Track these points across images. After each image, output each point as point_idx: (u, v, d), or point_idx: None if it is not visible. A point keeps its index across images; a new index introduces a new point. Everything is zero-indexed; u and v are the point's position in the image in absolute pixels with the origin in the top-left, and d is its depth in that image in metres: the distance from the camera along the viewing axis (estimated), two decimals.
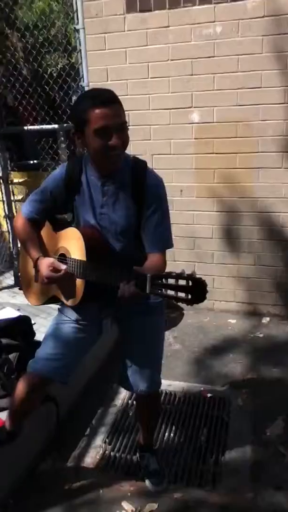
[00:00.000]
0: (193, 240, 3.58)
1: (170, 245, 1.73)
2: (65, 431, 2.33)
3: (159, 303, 1.82)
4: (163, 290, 1.36)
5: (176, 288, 1.33)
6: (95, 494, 2.01)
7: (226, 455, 2.20)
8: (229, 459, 2.18)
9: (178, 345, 3.15)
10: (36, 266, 1.75)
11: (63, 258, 1.72)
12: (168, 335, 3.23)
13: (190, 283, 1.31)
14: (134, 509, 1.93)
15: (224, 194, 3.45)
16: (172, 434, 2.36)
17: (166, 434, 2.37)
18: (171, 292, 1.34)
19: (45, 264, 1.69)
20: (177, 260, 3.50)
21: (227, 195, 3.45)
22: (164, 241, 1.71)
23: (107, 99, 1.54)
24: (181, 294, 1.32)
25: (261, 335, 3.28)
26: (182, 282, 1.32)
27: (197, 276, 1.32)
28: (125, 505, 1.95)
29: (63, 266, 1.67)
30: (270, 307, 3.56)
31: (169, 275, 1.36)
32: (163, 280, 1.36)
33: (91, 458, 2.22)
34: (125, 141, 1.59)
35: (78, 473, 2.13)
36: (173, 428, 2.40)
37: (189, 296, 1.32)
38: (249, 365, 2.91)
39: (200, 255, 3.58)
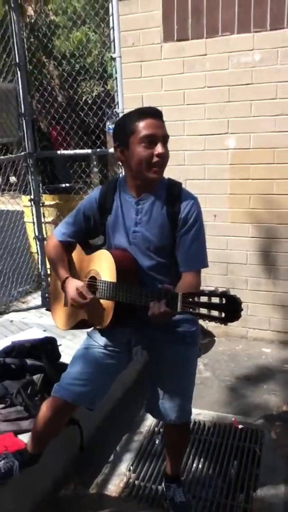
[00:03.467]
0: (226, 266, 3.50)
1: (205, 264, 1.68)
2: (89, 456, 2.26)
3: (193, 332, 1.76)
4: (195, 308, 1.31)
5: (209, 306, 1.27)
6: None
7: (258, 492, 2.06)
8: (261, 495, 2.04)
9: (209, 372, 3.04)
10: (63, 286, 1.74)
11: (93, 280, 1.70)
12: (198, 362, 3.11)
13: (224, 301, 1.26)
14: None
15: (261, 219, 3.38)
16: (200, 466, 2.24)
17: (194, 465, 2.25)
18: (203, 311, 1.29)
19: (74, 285, 1.69)
20: (209, 286, 3.40)
21: (263, 221, 3.38)
22: (199, 260, 1.67)
23: (154, 111, 1.61)
24: (214, 313, 1.27)
25: None
26: (215, 300, 1.27)
27: (231, 293, 1.27)
28: None
29: (90, 295, 1.65)
30: None
31: (202, 292, 1.31)
32: (195, 298, 1.31)
33: (114, 486, 2.13)
34: (167, 154, 1.61)
35: (100, 501, 2.04)
36: (202, 459, 2.28)
37: (223, 315, 1.26)
38: (284, 397, 2.75)
39: (233, 281, 3.48)
